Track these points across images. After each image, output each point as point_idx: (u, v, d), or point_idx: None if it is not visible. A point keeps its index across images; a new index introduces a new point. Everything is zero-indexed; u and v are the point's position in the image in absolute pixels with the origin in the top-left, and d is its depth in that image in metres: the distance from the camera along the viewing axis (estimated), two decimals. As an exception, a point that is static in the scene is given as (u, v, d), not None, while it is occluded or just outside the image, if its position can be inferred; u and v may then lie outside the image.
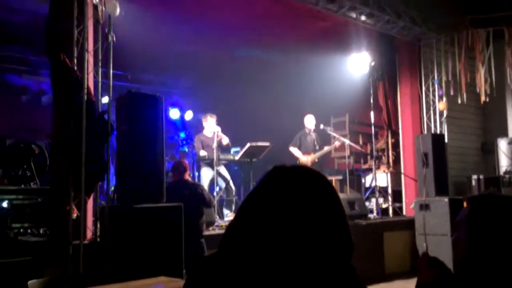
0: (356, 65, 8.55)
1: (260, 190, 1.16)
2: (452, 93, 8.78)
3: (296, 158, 8.36)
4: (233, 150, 8.75)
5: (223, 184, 7.78)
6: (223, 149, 8.00)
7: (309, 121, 8.53)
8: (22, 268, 3.95)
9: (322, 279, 1.07)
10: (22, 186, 5.60)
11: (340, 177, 8.87)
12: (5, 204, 4.82)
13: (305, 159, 8.25)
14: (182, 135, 10.83)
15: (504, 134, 9.39)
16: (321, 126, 8.56)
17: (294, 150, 8.44)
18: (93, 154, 4.76)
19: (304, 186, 1.14)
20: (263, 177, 1.18)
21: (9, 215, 4.78)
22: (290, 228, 1.08)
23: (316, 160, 8.38)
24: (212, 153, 7.46)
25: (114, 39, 5.15)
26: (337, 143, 8.42)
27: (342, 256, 1.12)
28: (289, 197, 1.11)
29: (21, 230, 5.02)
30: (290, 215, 1.09)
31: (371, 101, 8.37)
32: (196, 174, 8.86)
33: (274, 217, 1.09)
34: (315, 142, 8.52)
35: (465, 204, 1.75)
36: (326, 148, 8.56)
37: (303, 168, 1.20)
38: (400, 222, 7.92)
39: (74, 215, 4.71)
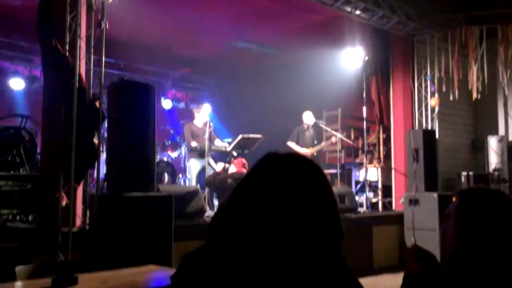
0: (350, 59, 8.56)
1: (252, 176, 1.15)
2: (444, 89, 8.82)
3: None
4: (225, 140, 8.73)
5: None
6: (212, 140, 8.00)
7: (308, 117, 8.56)
8: (9, 254, 3.93)
9: (311, 268, 1.07)
10: (11, 172, 5.55)
11: (331, 171, 8.90)
12: (-7, 190, 4.79)
13: (304, 151, 8.27)
14: (174, 125, 10.78)
15: (495, 131, 9.45)
16: (314, 120, 8.58)
17: (292, 145, 8.48)
18: (83, 142, 4.73)
19: (296, 172, 1.13)
20: (256, 163, 1.18)
21: (-2, 201, 4.75)
22: (280, 215, 1.07)
23: (315, 153, 8.44)
24: (202, 143, 7.44)
25: (107, 26, 5.10)
26: (333, 139, 8.48)
27: (332, 245, 1.12)
28: (280, 183, 1.11)
29: (10, 216, 4.99)
30: (281, 201, 1.08)
31: (364, 95, 8.39)
32: (188, 164, 8.85)
33: (265, 204, 1.09)
34: (313, 137, 8.59)
35: (454, 199, 1.76)
36: (324, 143, 8.64)
37: (295, 155, 1.20)
38: (389, 217, 7.97)
39: (64, 203, 4.68)
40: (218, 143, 8.00)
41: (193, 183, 7.71)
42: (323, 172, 1.19)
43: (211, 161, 7.90)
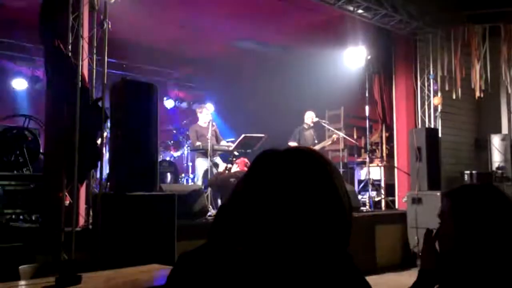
0: (352, 58, 8.55)
1: (249, 175, 1.12)
2: (447, 88, 8.80)
3: None
4: (227, 140, 8.75)
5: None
6: (217, 139, 8.02)
7: (309, 117, 8.61)
8: (13, 253, 3.95)
9: (315, 266, 1.04)
10: (15, 172, 5.57)
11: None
12: (-3, 190, 4.80)
13: None
14: (177, 125, 10.80)
15: (498, 130, 9.42)
16: (316, 119, 8.60)
17: (294, 145, 8.49)
18: (86, 142, 4.75)
19: (294, 166, 1.08)
20: (253, 162, 1.15)
21: (1, 201, 4.77)
22: (279, 213, 1.04)
23: None
24: (207, 143, 7.47)
25: (110, 26, 5.12)
26: (335, 136, 8.49)
27: (339, 241, 1.08)
28: (279, 179, 1.07)
29: (13, 216, 5.00)
30: (279, 198, 1.05)
31: (367, 94, 8.38)
32: (190, 164, 8.88)
33: (263, 202, 1.05)
34: (314, 137, 8.61)
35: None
36: (325, 141, 8.65)
37: (294, 150, 1.13)
38: (392, 216, 7.96)
39: (67, 202, 4.70)
40: (222, 143, 8.02)
41: (199, 181, 7.76)
42: (328, 164, 1.11)
43: (219, 161, 7.95)
